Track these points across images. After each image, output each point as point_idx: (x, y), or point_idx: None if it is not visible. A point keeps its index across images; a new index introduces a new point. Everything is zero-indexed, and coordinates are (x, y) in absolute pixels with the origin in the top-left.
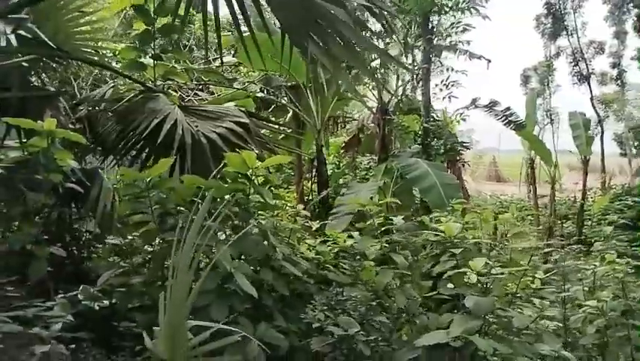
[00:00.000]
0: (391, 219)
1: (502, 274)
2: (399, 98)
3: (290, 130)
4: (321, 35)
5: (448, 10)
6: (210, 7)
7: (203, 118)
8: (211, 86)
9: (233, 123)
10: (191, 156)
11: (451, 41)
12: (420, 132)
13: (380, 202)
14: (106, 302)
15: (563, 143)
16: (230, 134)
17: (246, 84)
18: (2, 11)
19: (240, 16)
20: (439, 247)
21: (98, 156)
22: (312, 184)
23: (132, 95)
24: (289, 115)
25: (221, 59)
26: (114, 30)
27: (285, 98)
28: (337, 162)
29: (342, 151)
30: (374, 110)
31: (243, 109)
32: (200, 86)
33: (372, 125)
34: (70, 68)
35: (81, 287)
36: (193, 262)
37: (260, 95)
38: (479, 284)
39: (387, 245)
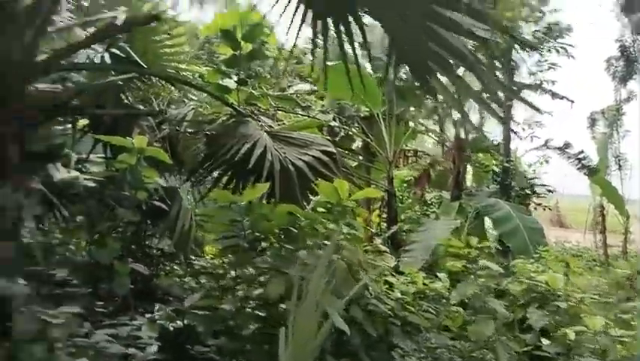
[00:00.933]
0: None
1: (621, 336)
2: (475, 134)
3: (362, 159)
4: (445, 69)
5: (537, 47)
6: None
7: (290, 145)
8: (279, 114)
9: (320, 152)
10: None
11: (535, 80)
12: (499, 171)
13: (479, 246)
14: (180, 323)
15: (631, 191)
16: (317, 163)
17: (317, 113)
18: (102, 35)
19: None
20: (526, 297)
21: (175, 175)
22: (380, 218)
23: (224, 118)
24: (356, 145)
25: (326, 86)
26: (192, 53)
27: (356, 128)
28: (400, 196)
29: (405, 185)
30: (447, 145)
31: (328, 138)
32: (273, 113)
33: (444, 160)
34: (154, 87)
35: (157, 307)
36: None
37: (333, 123)
38: (596, 345)
39: (479, 292)
